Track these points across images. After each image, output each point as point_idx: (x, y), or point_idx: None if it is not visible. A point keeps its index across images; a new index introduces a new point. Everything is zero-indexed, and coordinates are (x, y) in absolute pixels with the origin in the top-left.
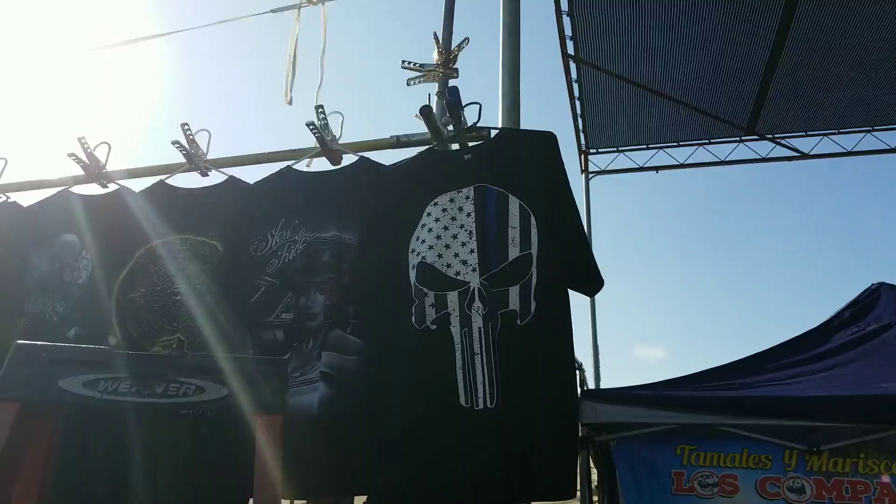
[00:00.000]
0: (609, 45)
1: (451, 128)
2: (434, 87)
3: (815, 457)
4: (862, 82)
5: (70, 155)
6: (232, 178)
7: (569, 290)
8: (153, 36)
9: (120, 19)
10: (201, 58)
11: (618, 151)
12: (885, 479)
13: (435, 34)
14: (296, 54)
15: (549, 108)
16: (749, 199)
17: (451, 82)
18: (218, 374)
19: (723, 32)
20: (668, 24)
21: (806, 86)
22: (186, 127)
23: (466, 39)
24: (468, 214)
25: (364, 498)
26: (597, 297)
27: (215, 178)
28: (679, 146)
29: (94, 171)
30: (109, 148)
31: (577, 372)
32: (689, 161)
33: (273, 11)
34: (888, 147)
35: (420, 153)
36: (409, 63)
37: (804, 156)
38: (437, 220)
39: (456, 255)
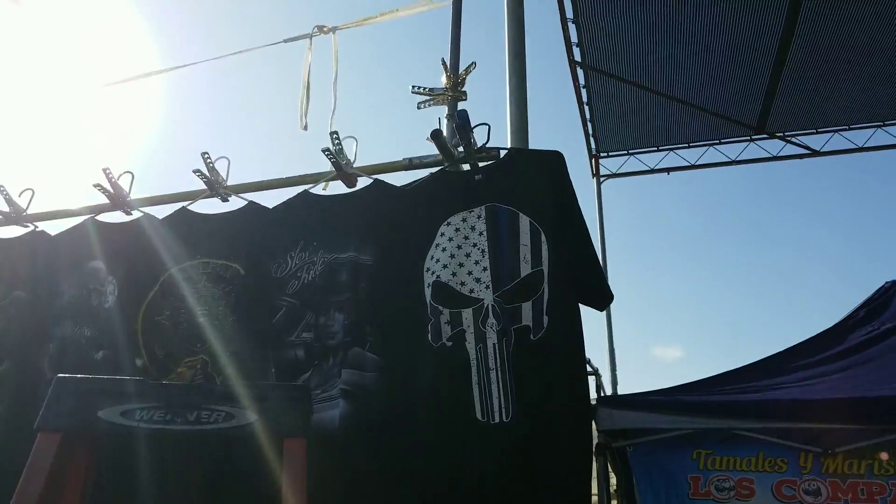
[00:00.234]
0: (615, 50)
1: (461, 149)
2: (444, 110)
3: (831, 459)
4: (870, 78)
5: (95, 185)
6: (251, 203)
7: (580, 304)
8: (171, 69)
9: (140, 54)
10: (216, 88)
11: (628, 154)
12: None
13: (443, 60)
14: (309, 81)
15: (559, 113)
16: (761, 197)
17: (461, 105)
18: (246, 401)
19: (728, 32)
20: (674, 26)
21: (814, 82)
22: (206, 155)
23: (473, 64)
24: (480, 233)
25: None
26: (615, 297)
27: (235, 203)
28: (689, 147)
29: (119, 200)
30: (132, 177)
31: (594, 378)
32: (700, 162)
33: (286, 41)
34: None
35: (432, 174)
36: (419, 88)
37: (815, 153)
38: (450, 239)
39: (469, 272)
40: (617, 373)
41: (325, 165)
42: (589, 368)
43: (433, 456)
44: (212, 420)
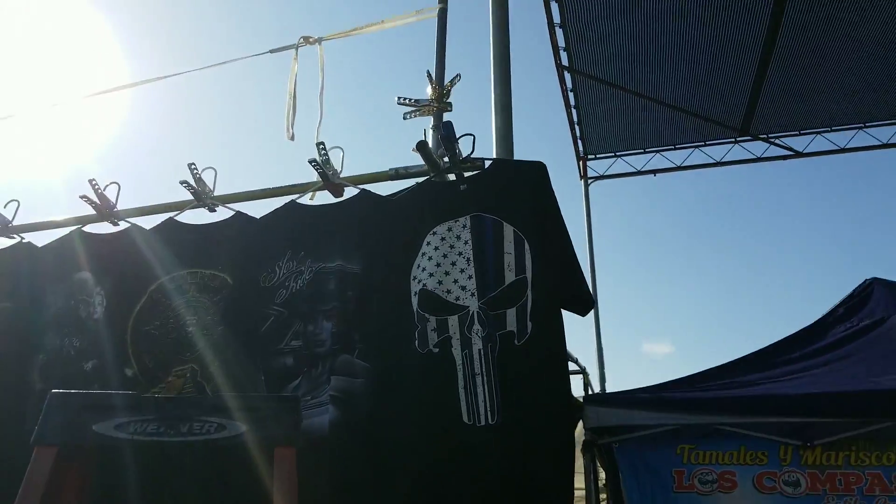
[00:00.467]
0: (602, 54)
1: (446, 159)
2: (430, 121)
3: (810, 451)
4: (852, 80)
5: (82, 197)
6: (239, 214)
7: (562, 310)
8: (156, 79)
9: (126, 65)
10: (203, 99)
11: (615, 156)
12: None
13: (428, 72)
14: (295, 92)
15: (547, 116)
16: (746, 197)
17: (446, 116)
18: (237, 413)
19: (713, 36)
20: (659, 30)
21: (797, 85)
22: (193, 166)
23: (458, 76)
24: (465, 242)
25: None
26: (602, 296)
27: (222, 213)
28: (675, 149)
29: (106, 211)
30: (119, 188)
31: (582, 376)
32: (685, 163)
33: (272, 52)
34: (880, 143)
35: (418, 184)
36: (405, 99)
37: (798, 154)
38: (436, 248)
39: (455, 280)
40: (605, 370)
41: (312, 175)
42: (576, 367)
43: (422, 458)
44: (204, 431)
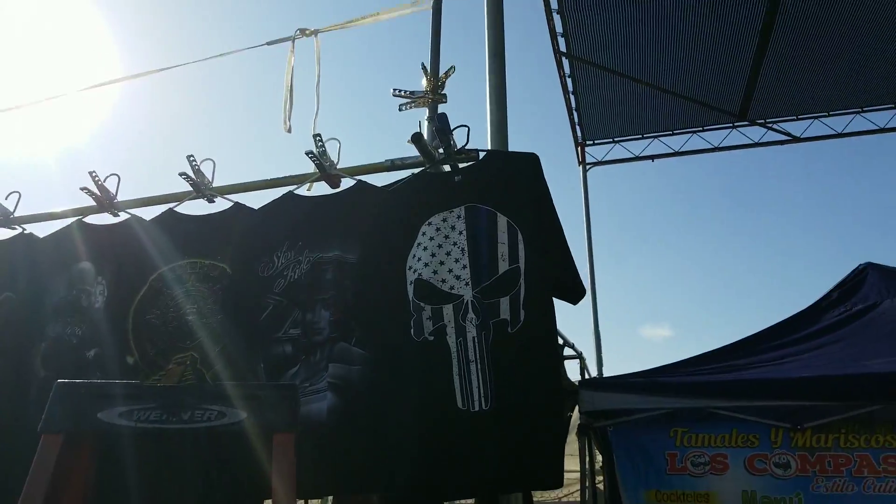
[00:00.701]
0: (600, 40)
1: (441, 151)
2: (425, 113)
3: (800, 434)
4: (849, 65)
5: (82, 188)
6: (237, 205)
7: (554, 298)
8: (153, 71)
9: (123, 58)
10: (201, 91)
11: (613, 142)
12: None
13: (423, 64)
14: (292, 84)
15: (545, 102)
16: (744, 182)
17: (441, 107)
18: (237, 400)
19: (711, 21)
20: (657, 16)
21: (795, 70)
22: (192, 158)
23: (453, 67)
24: (460, 232)
25: None
26: (600, 281)
27: (221, 204)
28: (673, 134)
29: (106, 202)
30: (119, 180)
31: (578, 361)
32: (683, 149)
33: (269, 44)
34: (877, 127)
35: (413, 175)
36: (400, 91)
37: (795, 139)
38: (431, 238)
39: (450, 270)
40: (602, 355)
41: (310, 167)
42: (573, 352)
43: (417, 442)
44: (205, 418)
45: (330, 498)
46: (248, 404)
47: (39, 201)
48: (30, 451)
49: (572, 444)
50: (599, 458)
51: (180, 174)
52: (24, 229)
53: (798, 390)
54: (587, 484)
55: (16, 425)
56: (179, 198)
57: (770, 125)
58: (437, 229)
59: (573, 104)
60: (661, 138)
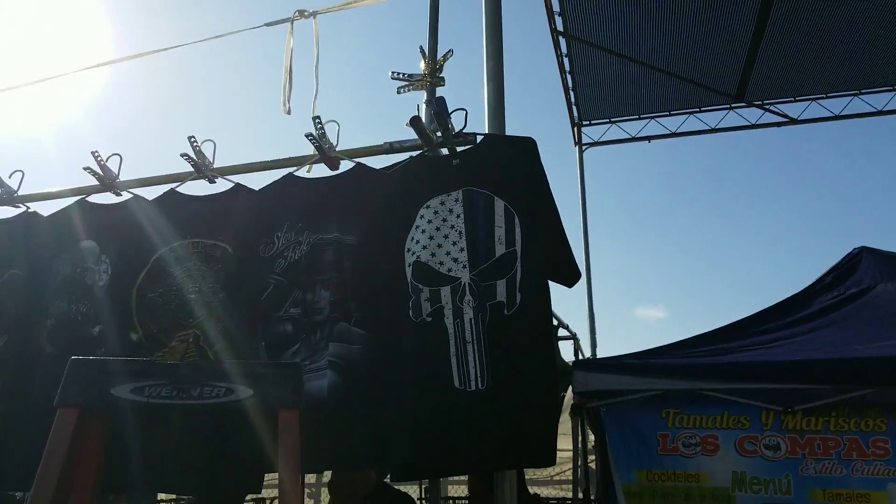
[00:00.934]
0: (597, 19)
1: (439, 134)
2: (423, 96)
3: (790, 416)
4: (848, 46)
5: (85, 168)
6: (238, 185)
7: (549, 281)
8: (154, 51)
9: (122, 39)
10: (202, 72)
11: (610, 123)
12: None
13: (421, 47)
14: (291, 66)
15: (542, 82)
16: (740, 163)
17: (439, 90)
18: (243, 378)
19: (709, 1)
20: None
21: (792, 51)
22: (193, 139)
23: (450, 51)
24: (458, 216)
25: None
26: (596, 262)
27: (222, 185)
28: (670, 115)
29: (108, 182)
30: (121, 160)
31: (572, 342)
32: (680, 130)
33: (267, 25)
34: (875, 110)
35: (412, 158)
36: (398, 73)
37: (793, 121)
38: (429, 221)
39: (448, 253)
40: (596, 336)
41: (310, 149)
42: (567, 333)
43: (415, 420)
44: (213, 395)
45: (328, 472)
46: (255, 382)
47: (38, 178)
48: (35, 424)
49: (565, 424)
50: (592, 437)
51: (182, 155)
52: (27, 207)
53: (790, 373)
54: (579, 463)
55: (22, 399)
56: (181, 178)
57: (767, 107)
58: (436, 212)
59: (570, 84)
60: (657, 119)
